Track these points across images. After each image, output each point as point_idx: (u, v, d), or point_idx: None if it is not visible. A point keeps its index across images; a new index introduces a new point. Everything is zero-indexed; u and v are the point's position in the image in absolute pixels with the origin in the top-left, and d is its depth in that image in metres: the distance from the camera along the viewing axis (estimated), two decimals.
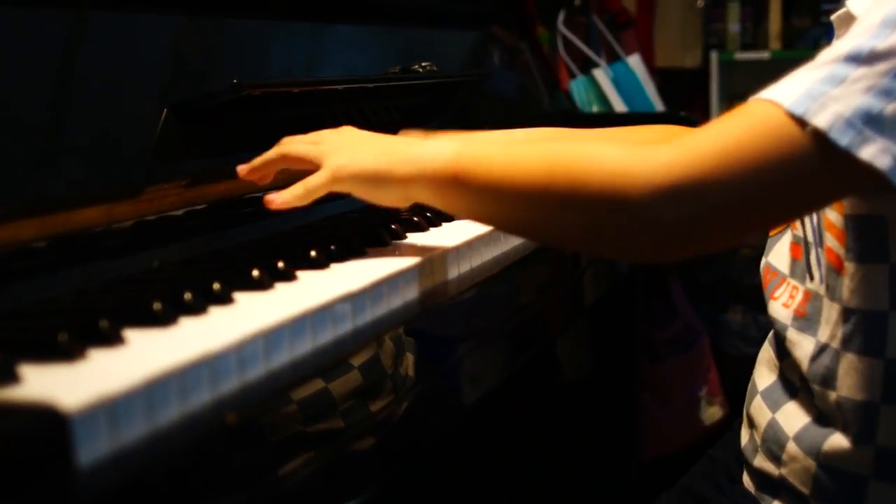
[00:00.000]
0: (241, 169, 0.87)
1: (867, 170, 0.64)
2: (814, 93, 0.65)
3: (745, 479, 0.90)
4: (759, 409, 0.87)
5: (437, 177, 0.77)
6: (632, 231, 0.68)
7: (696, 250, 0.70)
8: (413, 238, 0.93)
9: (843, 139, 0.63)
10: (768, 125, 0.65)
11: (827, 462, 0.79)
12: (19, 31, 0.82)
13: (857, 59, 0.65)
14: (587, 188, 0.68)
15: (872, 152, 0.63)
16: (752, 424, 0.89)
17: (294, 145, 0.85)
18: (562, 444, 1.88)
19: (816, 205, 0.74)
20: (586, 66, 2.26)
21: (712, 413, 1.99)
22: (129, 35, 0.94)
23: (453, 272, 0.88)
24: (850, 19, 0.75)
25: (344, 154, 0.82)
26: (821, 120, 0.63)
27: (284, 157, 0.85)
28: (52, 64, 0.85)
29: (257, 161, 0.86)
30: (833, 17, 0.81)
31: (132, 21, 0.95)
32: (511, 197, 0.73)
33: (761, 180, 0.65)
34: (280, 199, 0.82)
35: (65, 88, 0.85)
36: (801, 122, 0.64)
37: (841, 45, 0.66)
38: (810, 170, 0.65)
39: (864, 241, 0.76)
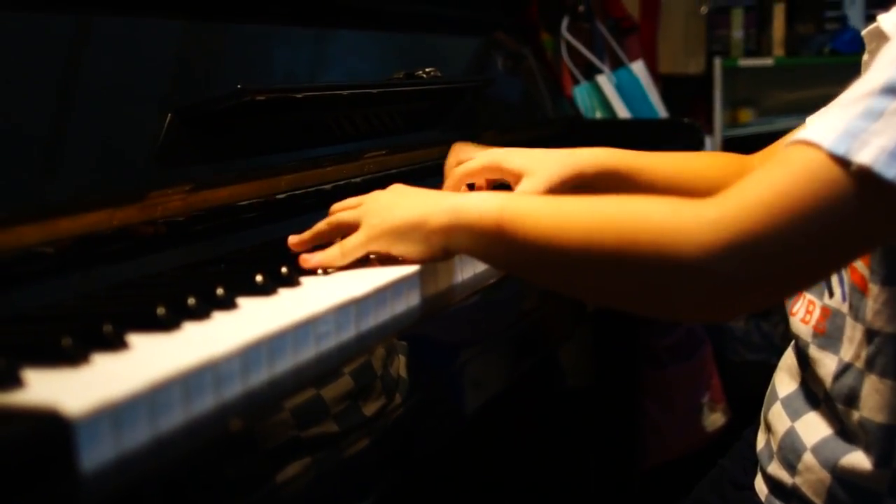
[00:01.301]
0: (292, 239, 0.85)
1: None
2: (853, 130, 0.63)
3: (758, 482, 0.90)
4: (777, 415, 0.87)
5: (479, 226, 0.75)
6: (683, 291, 0.67)
7: (751, 307, 0.69)
8: None
9: (889, 172, 0.61)
10: (810, 169, 0.63)
11: (843, 476, 0.79)
12: (23, 36, 0.82)
13: (894, 90, 0.63)
14: (636, 248, 0.66)
15: None
16: (769, 430, 0.89)
17: (338, 214, 0.84)
18: (564, 450, 1.87)
19: (870, 246, 0.71)
20: (590, 72, 2.26)
21: (714, 419, 1.99)
22: (133, 40, 0.94)
23: (457, 278, 0.88)
24: (880, 35, 0.75)
25: (381, 212, 0.81)
26: (864, 156, 0.61)
27: (330, 226, 0.84)
28: (56, 68, 0.85)
29: (307, 234, 0.85)
30: (864, 33, 0.81)
31: (136, 26, 0.95)
32: (558, 253, 0.71)
33: (811, 228, 0.63)
34: (315, 260, 0.81)
35: (69, 93, 0.86)
36: (843, 161, 0.62)
37: (874, 78, 0.65)
38: (860, 209, 0.63)
39: (889, 265, 0.76)
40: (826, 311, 0.83)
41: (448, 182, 1.00)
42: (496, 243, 0.75)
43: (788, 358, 0.90)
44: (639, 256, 0.66)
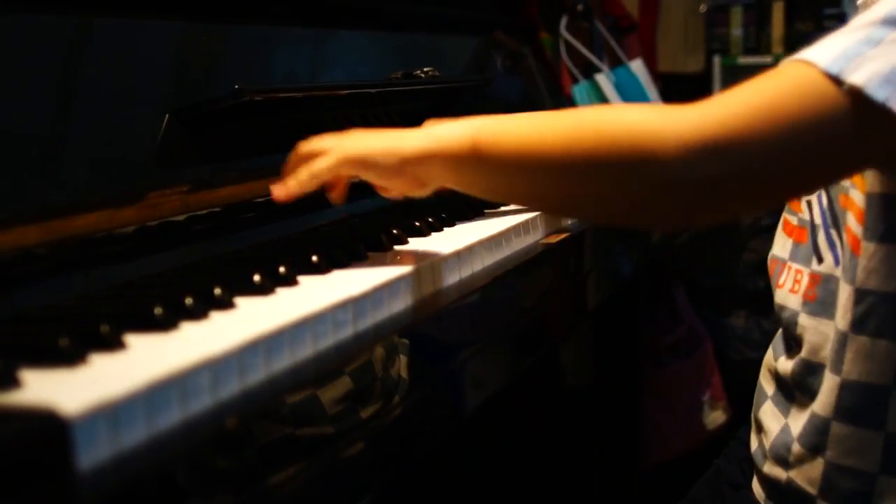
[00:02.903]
0: (275, 189, 0.83)
1: None
2: (850, 53, 0.64)
3: (755, 485, 0.89)
4: (768, 414, 0.87)
5: (453, 151, 0.75)
6: (660, 191, 0.67)
7: (724, 213, 0.70)
8: (415, 243, 0.93)
9: (879, 94, 0.62)
10: (802, 84, 0.64)
11: (833, 459, 0.79)
12: (22, 37, 0.82)
13: (894, 21, 0.65)
14: (616, 149, 0.66)
15: None
16: (760, 429, 0.88)
17: (308, 144, 0.83)
18: (564, 449, 1.87)
19: (848, 168, 0.72)
20: (589, 70, 2.26)
21: (715, 417, 1.99)
22: (131, 41, 0.94)
23: (455, 277, 0.88)
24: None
25: (353, 139, 0.80)
26: (857, 77, 0.63)
27: (299, 157, 0.82)
28: (55, 69, 0.85)
29: (283, 174, 0.83)
30: (860, 2, 0.81)
31: (135, 27, 0.95)
32: (537, 166, 0.71)
33: (794, 140, 0.64)
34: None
35: (67, 94, 0.86)
36: (836, 80, 0.63)
37: (876, 10, 0.66)
38: (845, 129, 0.64)
39: (884, 221, 0.75)
40: (816, 277, 0.82)
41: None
42: (474, 166, 0.75)
43: (769, 355, 0.90)
44: (618, 158, 0.67)
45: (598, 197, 0.72)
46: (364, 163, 0.79)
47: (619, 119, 0.68)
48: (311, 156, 0.81)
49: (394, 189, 0.82)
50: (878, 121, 0.63)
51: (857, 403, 0.77)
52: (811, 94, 0.64)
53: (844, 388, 0.77)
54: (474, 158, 0.75)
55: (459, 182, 0.79)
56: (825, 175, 0.71)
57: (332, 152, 0.79)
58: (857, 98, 0.63)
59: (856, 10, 0.81)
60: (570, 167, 0.70)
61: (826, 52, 0.65)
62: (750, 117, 0.64)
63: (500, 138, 0.74)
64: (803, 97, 0.64)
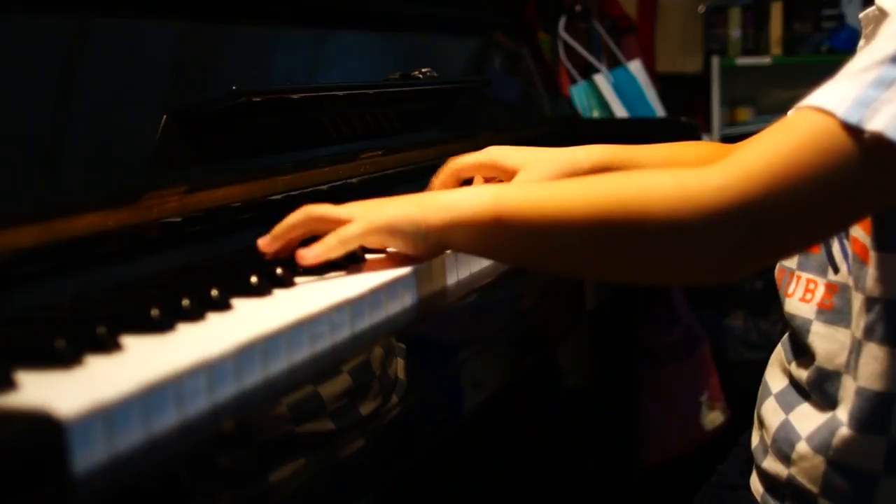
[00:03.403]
0: (262, 241, 0.81)
1: None
2: (865, 99, 0.64)
3: (754, 480, 0.90)
4: (771, 410, 0.87)
5: (476, 220, 0.75)
6: (690, 257, 0.69)
7: (756, 267, 0.71)
8: None
9: None
10: (818, 136, 0.65)
11: (837, 458, 0.79)
12: (20, 37, 0.82)
13: None
14: (645, 220, 0.68)
15: None
16: (762, 426, 0.89)
17: (322, 207, 0.81)
18: (562, 450, 1.87)
19: (874, 208, 0.73)
20: (587, 71, 2.26)
21: (713, 418, 1.99)
22: (129, 42, 0.94)
23: (452, 278, 0.88)
24: (878, 19, 0.75)
25: (374, 208, 0.80)
26: (877, 123, 0.63)
27: (310, 218, 0.81)
28: (52, 70, 0.85)
29: (279, 228, 0.81)
30: (861, 16, 0.81)
31: (133, 28, 0.95)
32: (562, 234, 0.72)
33: (817, 194, 0.65)
34: (312, 254, 0.77)
35: (65, 95, 0.85)
36: (856, 130, 0.64)
37: (882, 48, 0.66)
38: (867, 173, 0.65)
39: (886, 230, 0.76)
40: (832, 287, 0.83)
41: (440, 173, 1.00)
42: (495, 235, 0.75)
43: (779, 353, 0.90)
44: (648, 228, 0.68)
45: (628, 265, 0.74)
46: (390, 232, 0.79)
47: (646, 190, 0.69)
48: (325, 220, 0.80)
49: (416, 253, 0.82)
50: None
51: (864, 409, 0.78)
52: (831, 146, 0.64)
53: (856, 394, 0.78)
54: (496, 228, 0.75)
55: (482, 250, 0.80)
56: (849, 219, 0.72)
57: (360, 220, 0.78)
58: (879, 144, 0.63)
59: (857, 19, 0.81)
60: (598, 240, 0.71)
61: (840, 98, 0.65)
62: (768, 177, 0.65)
63: (521, 207, 0.74)
64: (823, 150, 0.64)
